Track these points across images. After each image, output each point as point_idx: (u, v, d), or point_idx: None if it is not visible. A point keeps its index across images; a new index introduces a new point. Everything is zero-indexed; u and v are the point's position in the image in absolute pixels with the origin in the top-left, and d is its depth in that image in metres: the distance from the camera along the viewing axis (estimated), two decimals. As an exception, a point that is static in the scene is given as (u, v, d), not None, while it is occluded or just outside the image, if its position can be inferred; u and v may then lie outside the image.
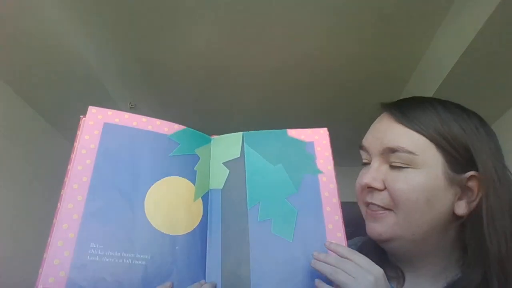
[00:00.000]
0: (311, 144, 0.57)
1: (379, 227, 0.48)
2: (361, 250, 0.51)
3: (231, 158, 0.57)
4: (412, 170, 0.46)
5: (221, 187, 0.54)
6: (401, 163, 0.47)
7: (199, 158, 0.56)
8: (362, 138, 0.55)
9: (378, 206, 0.48)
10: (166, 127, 0.57)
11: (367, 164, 0.52)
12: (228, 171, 0.56)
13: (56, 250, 0.44)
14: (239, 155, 0.57)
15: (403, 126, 0.48)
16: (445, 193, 0.46)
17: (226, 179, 0.55)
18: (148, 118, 0.57)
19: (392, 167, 0.47)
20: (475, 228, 0.46)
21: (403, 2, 1.45)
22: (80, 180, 0.48)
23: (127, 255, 0.45)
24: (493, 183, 0.46)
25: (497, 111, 1.82)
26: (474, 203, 0.48)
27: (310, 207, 0.51)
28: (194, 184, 0.54)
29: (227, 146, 0.59)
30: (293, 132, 0.58)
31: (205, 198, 0.54)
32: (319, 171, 0.54)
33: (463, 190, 0.48)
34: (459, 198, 0.48)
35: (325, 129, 0.59)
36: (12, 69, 1.58)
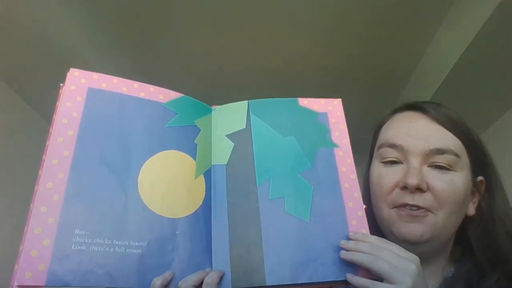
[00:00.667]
0: (324, 115, 0.52)
1: (421, 227, 0.46)
2: None
3: (236, 130, 0.50)
4: (454, 172, 0.47)
5: (226, 163, 0.48)
6: (447, 165, 0.47)
7: (199, 130, 0.49)
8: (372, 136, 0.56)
9: (419, 207, 0.47)
10: (161, 95, 0.50)
11: (395, 162, 0.50)
12: (232, 144, 0.49)
13: (33, 239, 0.37)
14: (244, 127, 0.50)
15: (445, 128, 0.49)
16: (469, 195, 0.49)
17: (231, 154, 0.48)
18: (140, 83, 0.49)
19: (434, 167, 0.47)
20: (482, 228, 0.49)
21: (403, 2, 1.45)
22: (61, 155, 0.41)
23: (119, 242, 0.39)
24: (501, 189, 0.51)
25: (497, 111, 1.82)
26: (475, 205, 0.51)
27: (326, 183, 0.46)
28: (195, 159, 0.47)
29: (230, 117, 0.51)
30: (305, 102, 0.53)
31: (208, 175, 0.47)
32: (334, 145, 0.49)
33: (474, 193, 0.51)
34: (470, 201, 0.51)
35: (339, 100, 0.54)
36: (12, 69, 1.58)
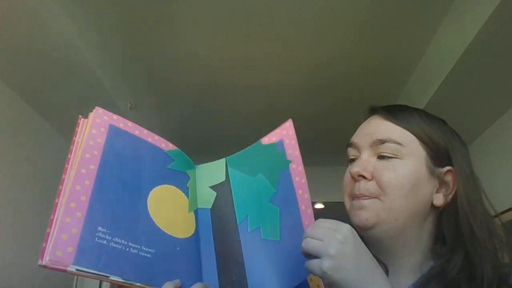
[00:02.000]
0: (281, 142, 0.58)
1: (366, 213, 0.50)
2: None
3: (218, 183, 0.60)
4: (399, 160, 0.51)
5: (210, 207, 0.57)
6: (389, 153, 0.51)
7: (189, 178, 0.59)
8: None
9: (364, 195, 0.51)
10: (163, 143, 0.59)
11: (354, 160, 0.55)
12: (215, 193, 0.58)
13: (64, 226, 0.42)
14: (224, 179, 0.60)
15: (392, 123, 0.54)
16: (427, 183, 0.52)
17: (214, 200, 0.58)
18: (149, 131, 0.59)
19: (380, 157, 0.52)
20: (452, 218, 0.51)
21: (403, 2, 1.45)
22: (88, 167, 0.48)
23: (133, 245, 0.45)
24: (466, 178, 0.52)
25: (497, 111, 1.82)
26: (450, 196, 0.53)
27: (287, 199, 0.53)
28: (188, 198, 0.57)
29: (212, 172, 0.62)
30: (266, 139, 0.60)
31: (196, 213, 0.56)
32: (289, 161, 0.56)
33: (441, 183, 0.53)
34: (437, 191, 0.53)
35: (290, 120, 0.60)
36: (13, 70, 1.58)
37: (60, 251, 0.41)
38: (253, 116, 2.36)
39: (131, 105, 1.95)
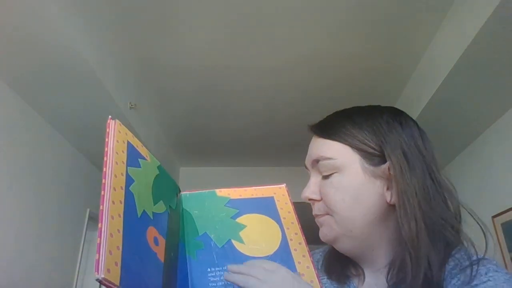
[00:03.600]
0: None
1: (324, 229, 0.53)
2: (328, 255, 0.58)
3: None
4: (338, 174, 0.51)
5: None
6: (327, 170, 0.52)
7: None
8: None
9: (318, 215, 0.53)
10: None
11: None
12: None
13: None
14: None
15: (322, 138, 0.55)
16: (370, 186, 0.51)
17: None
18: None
19: (323, 177, 0.52)
20: (396, 209, 0.50)
21: (403, 2, 1.45)
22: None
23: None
24: (401, 170, 0.50)
25: (497, 111, 1.82)
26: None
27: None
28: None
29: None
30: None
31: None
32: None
33: (390, 180, 0.51)
34: (388, 188, 0.51)
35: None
36: (13, 70, 1.58)
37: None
38: (253, 116, 2.36)
39: (131, 105, 1.94)
